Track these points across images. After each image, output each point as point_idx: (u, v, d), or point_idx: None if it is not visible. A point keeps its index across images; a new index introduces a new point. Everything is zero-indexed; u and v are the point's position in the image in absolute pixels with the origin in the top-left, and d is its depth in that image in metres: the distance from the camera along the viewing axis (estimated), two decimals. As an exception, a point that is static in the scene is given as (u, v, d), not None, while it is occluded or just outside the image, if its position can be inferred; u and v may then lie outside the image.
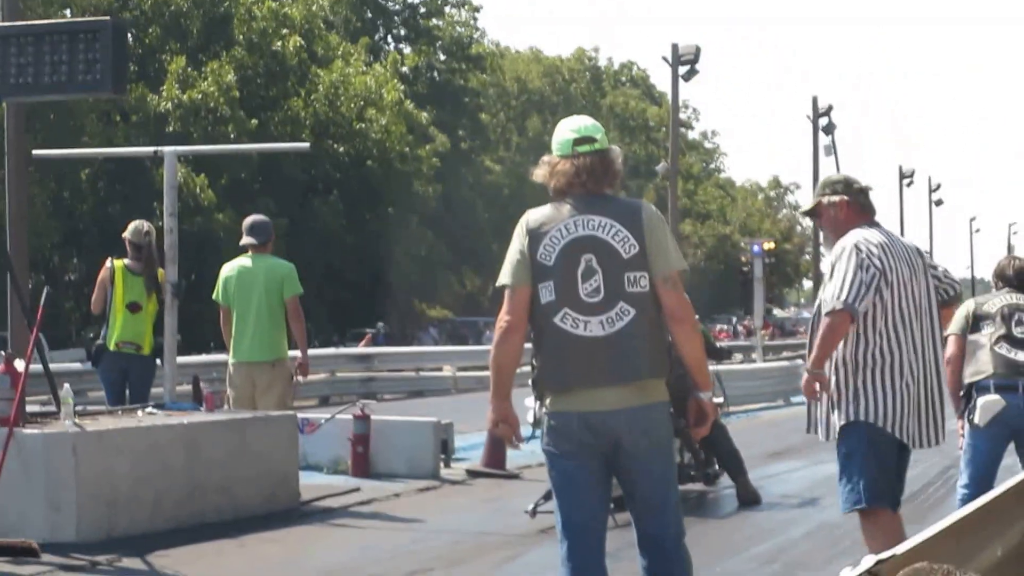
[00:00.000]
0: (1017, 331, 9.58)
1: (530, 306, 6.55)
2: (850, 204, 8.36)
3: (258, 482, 12.24)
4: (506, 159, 75.94)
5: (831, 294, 7.97)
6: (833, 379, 7.99)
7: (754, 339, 42.81)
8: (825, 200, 8.39)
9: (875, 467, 7.93)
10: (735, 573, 9.90)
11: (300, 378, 13.70)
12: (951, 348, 9.65)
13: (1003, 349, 9.48)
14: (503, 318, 6.58)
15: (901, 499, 8.15)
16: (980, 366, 9.56)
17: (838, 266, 8.05)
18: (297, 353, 13.78)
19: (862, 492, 7.93)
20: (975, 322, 9.63)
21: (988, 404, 9.43)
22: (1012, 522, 4.94)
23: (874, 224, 8.36)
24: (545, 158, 6.73)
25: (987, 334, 9.56)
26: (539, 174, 6.70)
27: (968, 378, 9.60)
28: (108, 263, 13.98)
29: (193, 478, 11.58)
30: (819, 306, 8.16)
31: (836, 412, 8.02)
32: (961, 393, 9.65)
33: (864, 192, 8.50)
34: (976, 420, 9.47)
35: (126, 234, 14.01)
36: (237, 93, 50.61)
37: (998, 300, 9.69)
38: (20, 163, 19.99)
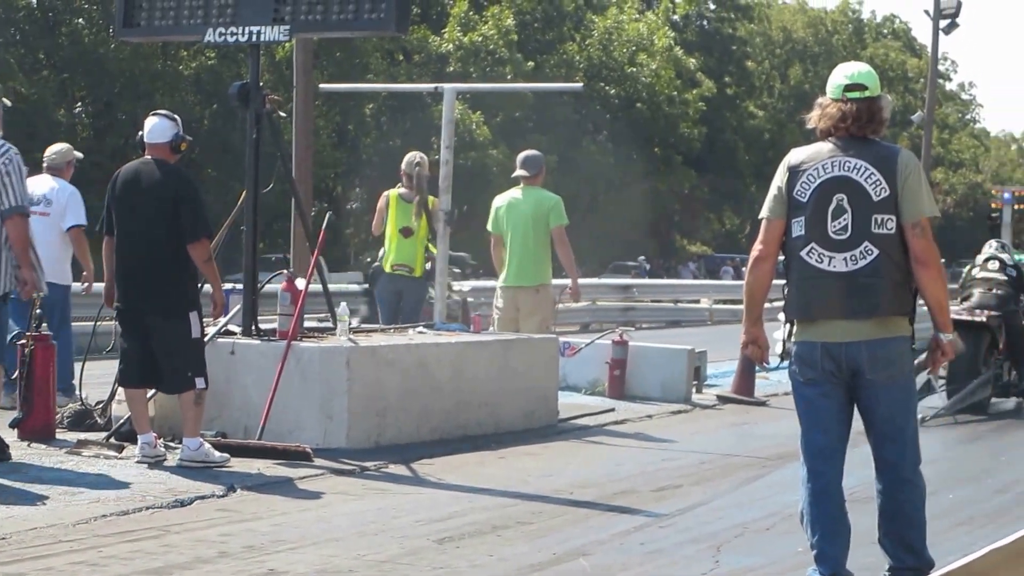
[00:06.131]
0: None
1: (783, 239, 6.92)
2: None
3: (519, 399, 12.69)
4: (768, 105, 75.90)
5: None
6: None
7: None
8: None
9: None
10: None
11: (563, 304, 14.12)
12: None
13: None
14: (756, 247, 6.97)
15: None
16: None
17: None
18: (562, 281, 14.33)
19: None
20: None
21: None
22: None
23: None
24: (819, 100, 7.02)
25: None
26: (812, 116, 6.98)
27: None
28: (385, 193, 14.73)
29: (458, 393, 12.03)
30: None
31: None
32: None
33: None
34: None
35: (401, 165, 14.75)
36: (515, 36, 51.83)
37: None
38: (307, 97, 20.81)
